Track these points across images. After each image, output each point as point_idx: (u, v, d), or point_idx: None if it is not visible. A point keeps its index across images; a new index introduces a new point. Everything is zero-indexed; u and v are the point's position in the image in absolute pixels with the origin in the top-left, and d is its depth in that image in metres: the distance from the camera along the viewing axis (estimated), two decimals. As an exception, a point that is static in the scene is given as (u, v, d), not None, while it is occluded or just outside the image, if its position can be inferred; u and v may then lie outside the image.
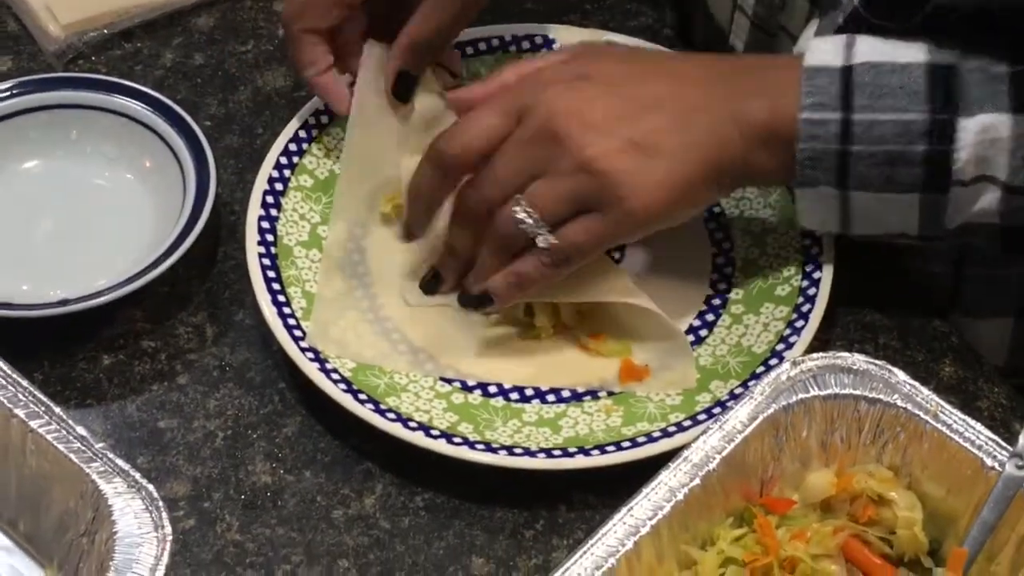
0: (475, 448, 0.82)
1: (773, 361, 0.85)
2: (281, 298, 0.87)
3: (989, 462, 0.75)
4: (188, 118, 0.94)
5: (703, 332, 0.89)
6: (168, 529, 0.72)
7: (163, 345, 0.89)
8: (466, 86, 0.90)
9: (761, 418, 0.76)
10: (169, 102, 0.94)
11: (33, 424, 0.75)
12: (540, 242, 0.82)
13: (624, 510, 0.73)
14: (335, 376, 0.84)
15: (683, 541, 0.75)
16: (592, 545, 0.72)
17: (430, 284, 0.88)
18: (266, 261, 0.88)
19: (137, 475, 0.73)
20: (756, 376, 0.85)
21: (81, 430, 0.75)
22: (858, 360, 0.78)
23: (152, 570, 0.70)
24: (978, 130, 0.80)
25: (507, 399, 0.86)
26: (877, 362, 0.78)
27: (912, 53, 0.82)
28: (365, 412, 0.83)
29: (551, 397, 0.86)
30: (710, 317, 0.90)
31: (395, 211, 0.92)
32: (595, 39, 0.98)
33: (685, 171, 0.82)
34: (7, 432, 0.76)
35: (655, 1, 1.06)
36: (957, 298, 0.95)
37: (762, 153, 0.83)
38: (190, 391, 0.87)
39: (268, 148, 0.93)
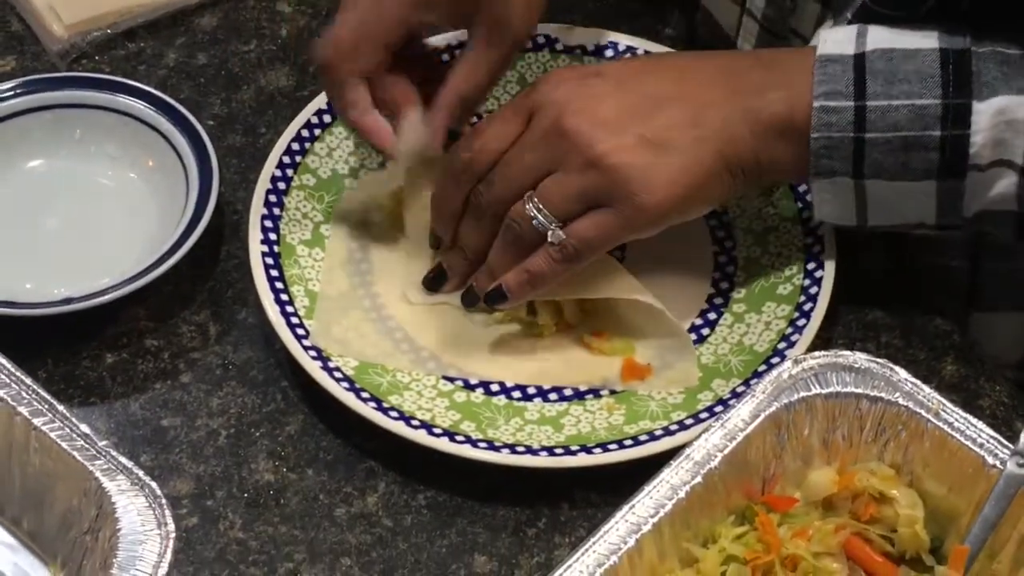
0: (477, 446, 0.82)
1: (775, 359, 0.86)
2: (284, 297, 0.87)
3: (991, 460, 0.75)
4: (191, 117, 0.94)
5: (705, 331, 0.89)
6: (171, 526, 0.72)
7: (166, 344, 0.89)
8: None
9: (763, 416, 0.77)
10: (172, 101, 0.95)
11: (37, 422, 0.75)
12: (551, 237, 0.82)
13: (626, 508, 0.73)
14: (338, 374, 0.84)
15: (685, 539, 0.75)
16: (594, 543, 0.72)
17: (434, 281, 0.89)
18: (269, 260, 0.88)
19: (140, 473, 0.73)
20: (758, 374, 0.85)
21: (85, 428, 0.75)
22: (860, 358, 0.78)
23: (155, 567, 0.70)
24: (993, 113, 0.80)
25: (509, 397, 0.86)
26: (879, 360, 0.78)
27: (924, 39, 0.82)
28: (368, 410, 0.83)
29: (553, 395, 0.86)
30: (712, 315, 0.90)
31: (389, 219, 0.92)
32: (597, 39, 0.98)
33: (697, 166, 0.82)
34: (11, 430, 0.76)
35: (658, 2, 1.06)
36: (974, 293, 0.94)
37: (777, 146, 0.83)
38: (193, 389, 0.87)
39: (271, 147, 0.94)
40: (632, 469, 0.80)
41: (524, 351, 0.88)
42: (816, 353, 0.79)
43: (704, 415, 0.84)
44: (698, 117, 0.82)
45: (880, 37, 0.82)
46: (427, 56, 0.93)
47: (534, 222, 0.82)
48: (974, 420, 0.76)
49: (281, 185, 0.92)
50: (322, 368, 0.84)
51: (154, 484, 0.73)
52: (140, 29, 1.04)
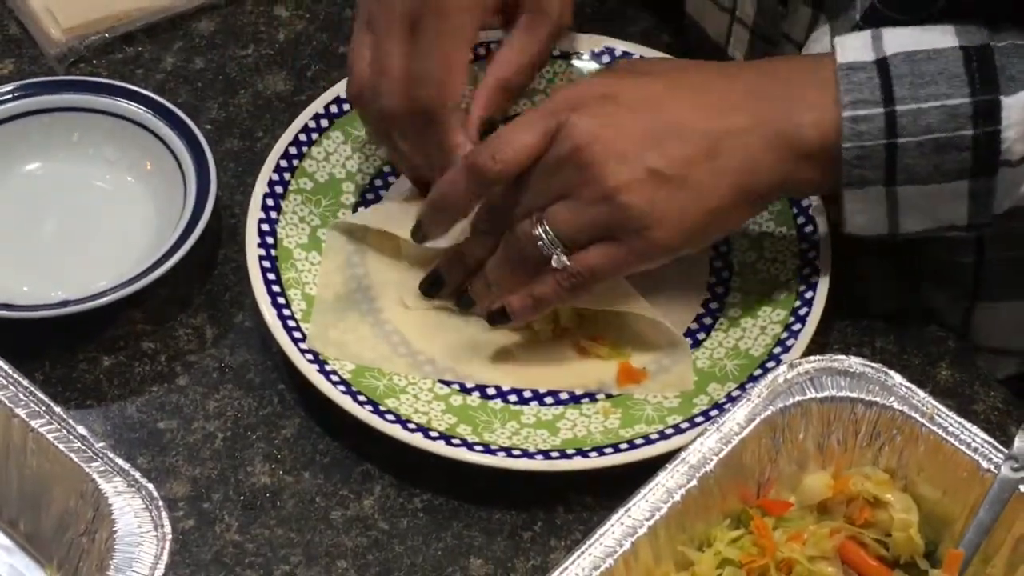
0: (473, 450, 0.82)
1: (770, 364, 0.86)
2: (281, 300, 0.87)
3: (985, 464, 0.75)
4: (189, 121, 0.94)
5: (700, 335, 0.89)
6: (168, 528, 0.72)
7: (163, 346, 0.89)
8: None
9: (758, 420, 0.77)
10: (170, 105, 0.94)
11: (34, 424, 0.75)
12: (555, 262, 0.81)
13: (622, 511, 0.73)
14: (334, 378, 0.84)
15: (680, 542, 0.75)
16: (590, 546, 0.72)
17: (431, 287, 0.88)
18: (266, 263, 0.88)
19: (137, 474, 0.73)
20: (753, 378, 0.85)
21: (82, 430, 0.75)
22: (855, 363, 0.78)
23: (151, 569, 0.70)
24: (1022, 107, 0.79)
25: (505, 401, 0.86)
26: (874, 365, 0.78)
27: (942, 38, 0.81)
28: (364, 413, 0.83)
29: (549, 399, 0.86)
30: (707, 320, 0.90)
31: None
32: (593, 45, 0.98)
33: (713, 201, 0.81)
34: (8, 432, 0.76)
35: (654, 7, 1.06)
36: (979, 284, 0.94)
37: (804, 166, 0.82)
38: (190, 392, 0.87)
39: (268, 151, 0.93)
40: (628, 473, 0.80)
41: (520, 355, 0.88)
42: (811, 358, 0.79)
43: (700, 419, 0.84)
44: (717, 147, 0.81)
45: (898, 40, 0.82)
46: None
47: (539, 243, 0.81)
48: (968, 425, 0.77)
49: (278, 189, 0.92)
50: (319, 371, 0.84)
51: (151, 486, 0.73)
52: (138, 33, 1.04)
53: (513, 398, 0.86)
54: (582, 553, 0.72)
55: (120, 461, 0.74)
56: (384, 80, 0.86)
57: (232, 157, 0.98)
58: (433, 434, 0.83)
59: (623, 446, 0.82)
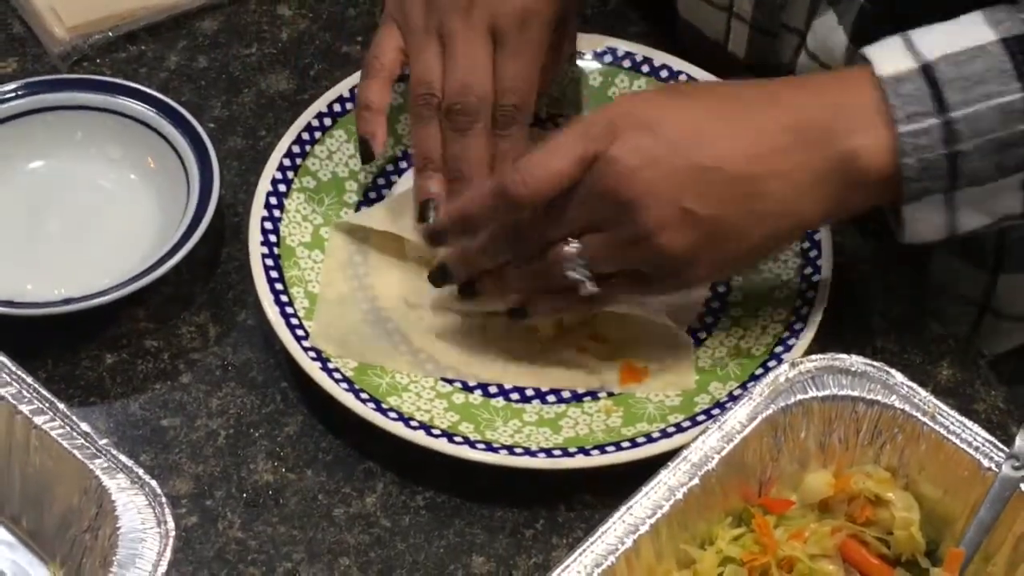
0: (476, 448, 0.82)
1: (772, 363, 0.86)
2: (284, 298, 0.87)
3: (986, 463, 0.75)
4: (192, 120, 0.94)
5: (702, 334, 0.89)
6: (171, 525, 0.72)
7: (166, 344, 0.89)
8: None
9: (760, 419, 0.77)
10: (173, 104, 0.94)
11: (37, 420, 0.75)
12: (583, 290, 0.81)
13: (624, 509, 0.73)
14: (337, 375, 0.84)
15: (682, 540, 0.75)
16: (592, 543, 0.72)
17: (440, 278, 0.87)
18: (269, 261, 0.88)
19: (140, 471, 0.73)
20: (755, 377, 0.85)
21: (85, 427, 0.75)
22: (856, 362, 0.78)
23: (155, 566, 0.70)
24: None
25: (508, 399, 0.86)
26: (875, 364, 0.78)
27: (977, 32, 0.79)
28: (367, 411, 0.83)
29: (551, 397, 0.87)
30: (709, 319, 0.90)
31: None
32: (595, 45, 0.98)
33: (752, 240, 0.80)
34: (11, 429, 0.76)
35: (654, 7, 1.06)
36: (1002, 255, 0.93)
37: (855, 193, 0.79)
38: (193, 390, 0.87)
39: (271, 150, 0.93)
40: (629, 471, 0.80)
41: (522, 353, 0.88)
42: (813, 357, 0.79)
43: (701, 418, 0.84)
44: (760, 189, 0.78)
45: (934, 41, 0.79)
46: None
47: (568, 268, 0.80)
48: (970, 423, 0.76)
49: (281, 187, 0.92)
50: (321, 369, 0.84)
51: (154, 483, 0.73)
52: (141, 32, 1.04)
53: (515, 396, 0.86)
54: (584, 551, 0.72)
55: (123, 458, 0.74)
56: (469, 87, 0.86)
57: (235, 156, 0.98)
58: (435, 432, 0.83)
59: (625, 444, 0.82)
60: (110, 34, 1.03)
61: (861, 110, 0.79)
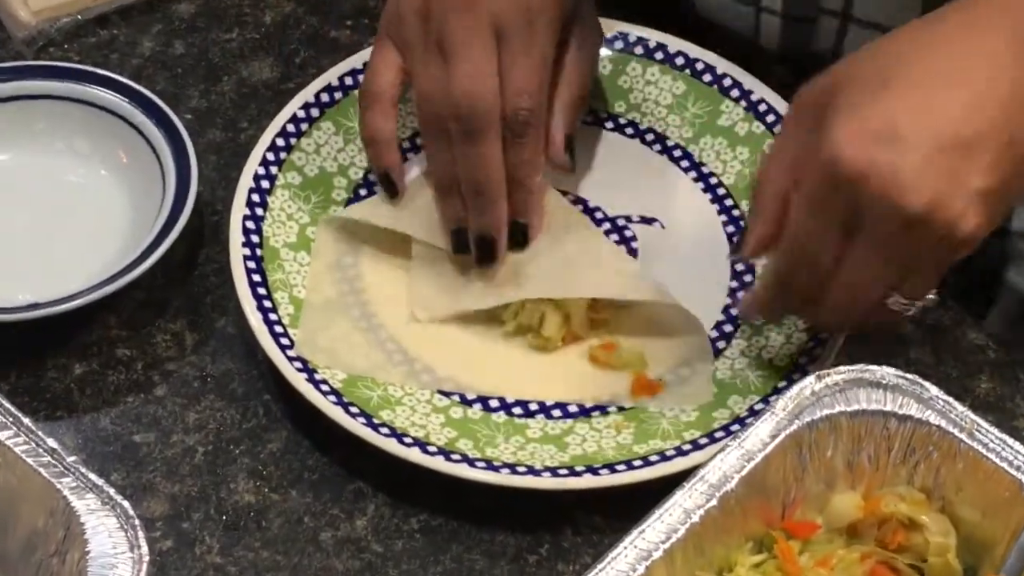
0: (475, 466, 0.81)
1: (796, 375, 0.85)
2: (267, 304, 0.86)
3: (1029, 484, 0.75)
4: (168, 110, 0.93)
5: (721, 344, 0.88)
6: (145, 549, 0.70)
7: (139, 354, 0.88)
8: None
9: (783, 435, 0.75)
10: (147, 93, 0.93)
11: (0, 436, 0.73)
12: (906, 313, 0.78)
13: (635, 533, 0.71)
14: (324, 388, 0.83)
15: (698, 567, 0.74)
16: (600, 571, 0.70)
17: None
18: (251, 264, 0.87)
19: (111, 491, 0.72)
20: (778, 391, 0.84)
21: (52, 443, 0.73)
22: (888, 374, 0.77)
23: (127, 593, 0.70)
24: None
25: (510, 414, 0.85)
26: (908, 376, 0.76)
27: None
28: (356, 426, 0.82)
29: (557, 412, 0.85)
30: (728, 327, 0.89)
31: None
32: (606, 29, 0.97)
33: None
34: (-29, 446, 0.75)
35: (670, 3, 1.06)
36: None
37: None
38: (168, 403, 0.86)
39: (253, 143, 0.92)
40: (641, 492, 0.78)
41: (526, 364, 0.87)
42: (840, 368, 0.77)
43: (720, 434, 0.83)
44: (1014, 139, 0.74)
45: None
46: None
47: (890, 301, 0.77)
48: (1011, 441, 0.75)
49: (265, 184, 0.91)
50: (307, 380, 0.83)
51: (126, 504, 0.71)
52: (113, 15, 1.03)
53: (518, 410, 0.85)
54: (593, 579, 0.71)
55: (93, 477, 0.72)
56: (475, 95, 0.84)
57: (214, 149, 0.97)
58: (431, 449, 0.81)
59: (637, 463, 0.81)
60: (79, 17, 1.02)
61: None
